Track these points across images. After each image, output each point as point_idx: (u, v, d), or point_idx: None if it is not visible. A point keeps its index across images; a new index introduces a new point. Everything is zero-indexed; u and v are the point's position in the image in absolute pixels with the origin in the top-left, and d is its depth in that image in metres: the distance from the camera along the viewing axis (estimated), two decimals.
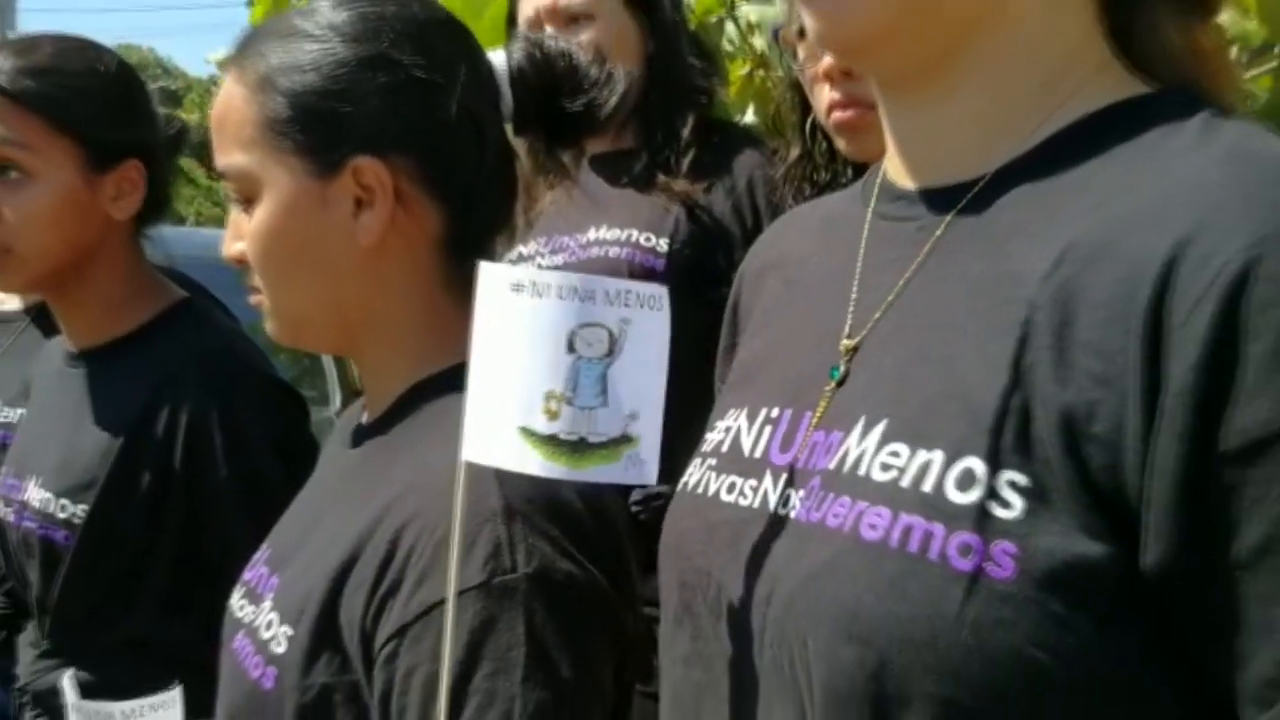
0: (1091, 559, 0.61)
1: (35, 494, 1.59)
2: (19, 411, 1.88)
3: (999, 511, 0.63)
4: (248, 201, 1.04)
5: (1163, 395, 0.60)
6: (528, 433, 0.74)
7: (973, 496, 0.63)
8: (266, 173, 1.02)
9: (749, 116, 2.34)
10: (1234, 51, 1.77)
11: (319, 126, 1.01)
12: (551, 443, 0.74)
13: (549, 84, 1.09)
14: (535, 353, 0.75)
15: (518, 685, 0.87)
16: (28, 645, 1.68)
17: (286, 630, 0.97)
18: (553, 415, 0.74)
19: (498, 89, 1.08)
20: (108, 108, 1.59)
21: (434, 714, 0.87)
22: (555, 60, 1.09)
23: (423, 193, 1.04)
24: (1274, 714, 0.58)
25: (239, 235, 1.07)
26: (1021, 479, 0.63)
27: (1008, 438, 0.64)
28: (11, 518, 1.63)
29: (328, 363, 4.19)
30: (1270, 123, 1.73)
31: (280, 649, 0.97)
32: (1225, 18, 1.71)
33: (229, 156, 1.04)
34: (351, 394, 4.03)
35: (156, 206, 1.67)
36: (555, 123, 1.11)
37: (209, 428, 1.52)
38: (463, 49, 1.07)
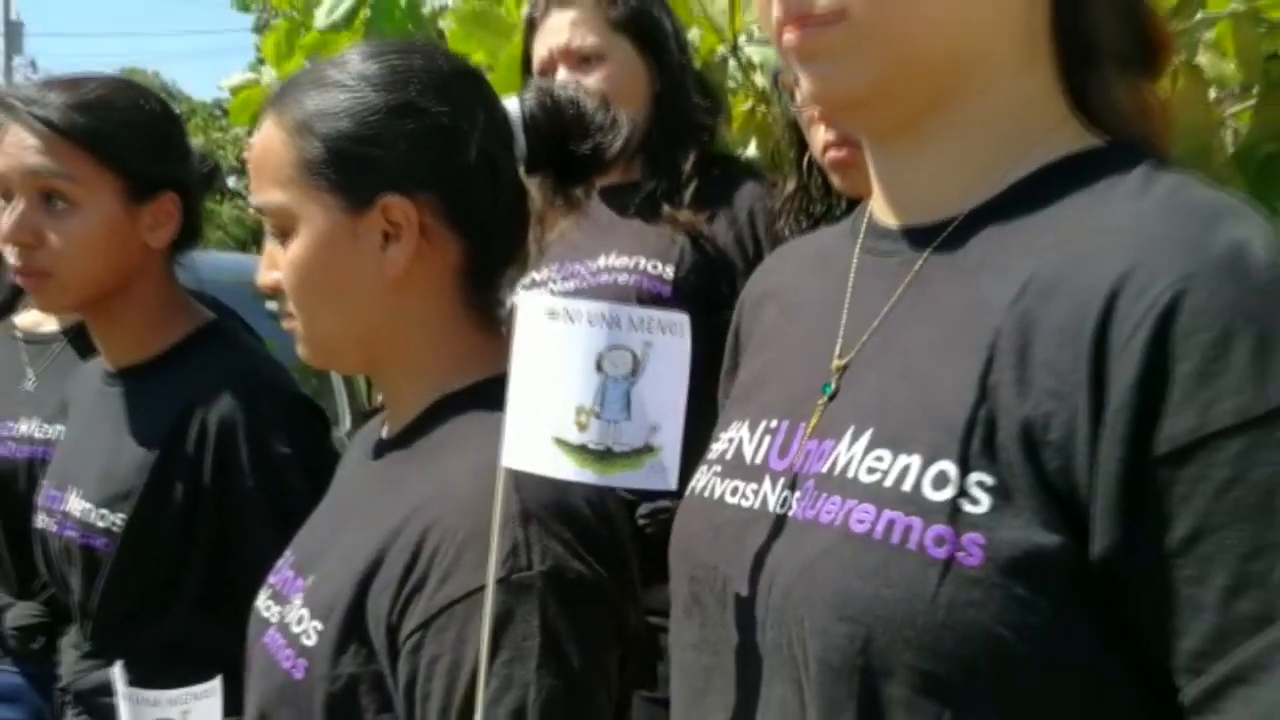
0: (1048, 549, 0.68)
1: (76, 504, 1.63)
2: (58, 428, 1.92)
3: (969, 507, 0.69)
4: (284, 235, 1.09)
5: (1106, 408, 0.67)
6: (561, 442, 0.80)
7: (946, 494, 0.70)
8: (302, 209, 1.08)
9: (750, 150, 2.35)
10: (1212, 92, 1.84)
11: (352, 168, 1.07)
12: (581, 451, 0.80)
13: (558, 129, 1.14)
14: (567, 372, 0.81)
15: (532, 672, 0.93)
16: (70, 647, 1.72)
17: (317, 625, 1.03)
18: (582, 427, 0.80)
19: (512, 133, 1.13)
20: (150, 144, 1.63)
21: (456, 697, 0.93)
22: (564, 107, 1.15)
23: (445, 227, 1.09)
24: (1202, 682, 0.65)
25: (274, 265, 1.11)
26: (988, 479, 0.70)
27: (976, 444, 0.71)
28: (54, 528, 1.67)
29: (338, 384, 4.19)
30: (1253, 152, 1.78)
31: (311, 641, 1.02)
32: (1204, 60, 1.78)
33: (267, 194, 1.09)
34: (361, 415, 4.07)
35: (190, 235, 1.72)
36: (564, 164, 1.16)
37: (236, 441, 1.57)
38: (481, 97, 1.13)
